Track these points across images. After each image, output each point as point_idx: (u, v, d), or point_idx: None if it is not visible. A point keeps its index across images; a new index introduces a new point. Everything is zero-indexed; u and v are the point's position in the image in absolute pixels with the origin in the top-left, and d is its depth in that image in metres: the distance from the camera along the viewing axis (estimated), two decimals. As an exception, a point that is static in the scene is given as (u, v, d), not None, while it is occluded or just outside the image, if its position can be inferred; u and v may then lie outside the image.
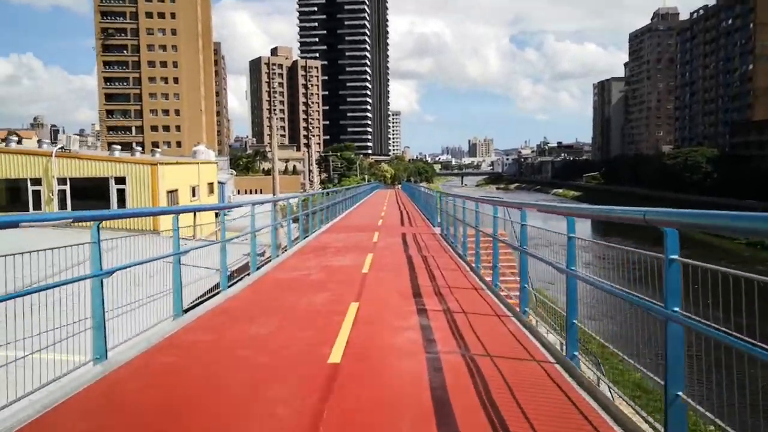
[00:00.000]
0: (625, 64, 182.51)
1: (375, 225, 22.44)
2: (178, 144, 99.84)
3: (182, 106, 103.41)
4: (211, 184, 38.64)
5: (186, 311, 7.82)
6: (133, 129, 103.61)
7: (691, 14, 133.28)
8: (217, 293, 8.41)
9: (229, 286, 8.88)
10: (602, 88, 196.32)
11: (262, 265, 11.36)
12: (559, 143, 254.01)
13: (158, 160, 26.82)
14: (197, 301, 8.25)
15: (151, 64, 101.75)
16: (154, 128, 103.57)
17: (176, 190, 29.38)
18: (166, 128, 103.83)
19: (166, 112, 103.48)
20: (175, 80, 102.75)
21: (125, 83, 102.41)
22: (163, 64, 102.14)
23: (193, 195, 33.44)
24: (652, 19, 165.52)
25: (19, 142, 37.46)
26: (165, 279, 7.03)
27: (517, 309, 6.96)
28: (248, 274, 10.17)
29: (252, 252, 10.09)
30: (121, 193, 25.14)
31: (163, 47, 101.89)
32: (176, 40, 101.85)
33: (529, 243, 7.05)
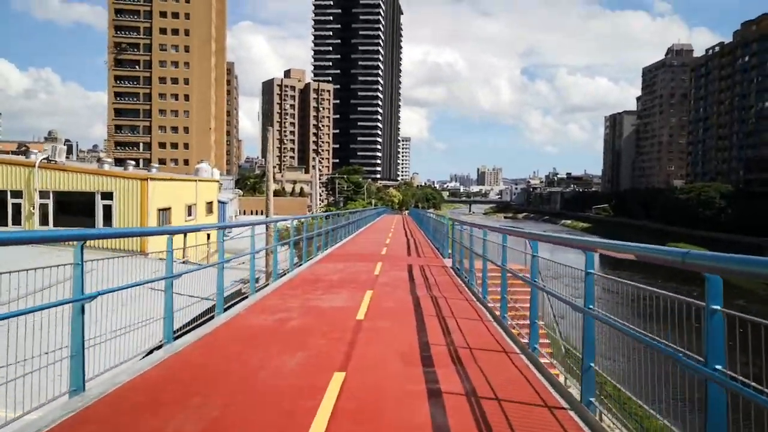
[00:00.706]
0: (638, 98, 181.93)
1: (378, 254, 20.24)
2: (186, 162, 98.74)
3: (191, 124, 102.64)
4: (210, 204, 36.88)
5: (136, 354, 5.84)
6: (141, 145, 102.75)
7: (707, 50, 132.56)
8: (160, 347, 6.35)
9: (179, 336, 6.80)
10: (614, 121, 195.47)
11: (236, 303, 9.34)
12: (569, 174, 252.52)
13: (148, 175, 25.05)
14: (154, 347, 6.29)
15: (162, 80, 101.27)
16: (162, 145, 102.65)
17: (169, 209, 27.61)
18: (174, 145, 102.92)
19: (175, 129, 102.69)
20: (186, 97, 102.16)
21: (135, 98, 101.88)
22: (175, 80, 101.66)
23: (189, 214, 31.67)
24: (666, 54, 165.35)
25: (25, 154, 35.96)
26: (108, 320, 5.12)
27: (574, 395, 4.86)
28: (212, 317, 8.08)
29: (218, 289, 8.02)
30: (108, 210, 23.33)
31: (175, 64, 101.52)
32: (189, 57, 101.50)
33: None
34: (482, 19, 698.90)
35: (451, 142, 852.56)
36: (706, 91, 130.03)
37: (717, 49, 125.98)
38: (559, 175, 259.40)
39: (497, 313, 8.54)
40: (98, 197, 23.12)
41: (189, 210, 31.80)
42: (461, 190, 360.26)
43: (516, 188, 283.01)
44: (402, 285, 12.25)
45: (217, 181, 38.25)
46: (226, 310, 8.47)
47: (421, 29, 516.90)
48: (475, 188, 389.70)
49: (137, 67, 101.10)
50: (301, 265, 15.09)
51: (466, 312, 9.25)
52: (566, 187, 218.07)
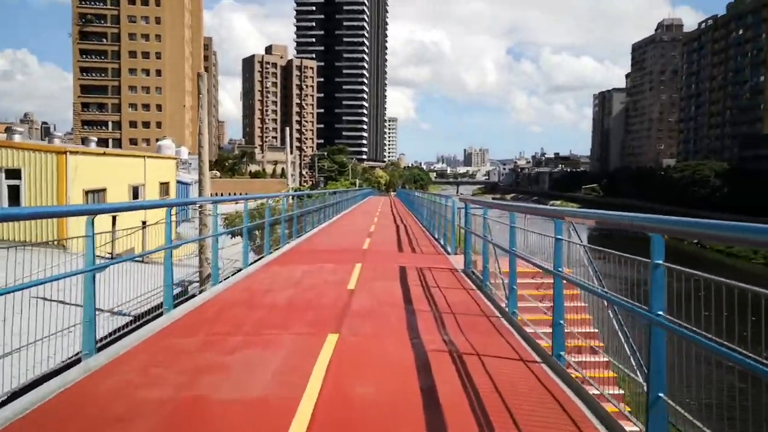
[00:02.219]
0: (627, 75, 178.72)
1: (359, 248, 15.33)
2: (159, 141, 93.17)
3: (165, 102, 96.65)
4: (166, 185, 32.10)
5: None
6: (110, 124, 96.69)
7: (699, 24, 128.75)
8: None
9: None
10: (603, 99, 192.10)
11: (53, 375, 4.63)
12: (556, 154, 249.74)
13: (68, 147, 20.28)
14: None
15: (132, 54, 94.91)
16: (133, 124, 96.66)
17: (103, 190, 22.90)
18: (146, 124, 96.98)
19: (146, 106, 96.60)
20: (158, 73, 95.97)
21: (103, 74, 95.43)
22: (146, 54, 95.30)
23: (135, 197, 26.95)
24: (656, 30, 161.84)
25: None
26: None
27: None
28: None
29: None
30: (15, 191, 18.56)
31: (146, 36, 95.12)
32: (160, 30, 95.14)
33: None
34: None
35: (437, 123, 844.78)
36: (698, 66, 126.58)
37: (710, 22, 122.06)
38: (546, 155, 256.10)
39: (582, 384, 4.12)
40: (1, 176, 18.32)
41: (135, 192, 27.09)
42: (448, 171, 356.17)
43: (504, 169, 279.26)
44: (392, 317, 7.19)
45: (175, 158, 33.38)
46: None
47: (405, 7, 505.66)
48: (462, 169, 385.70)
49: (104, 40, 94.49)
50: (238, 272, 10.42)
51: (538, 404, 4.35)
52: (554, 167, 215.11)
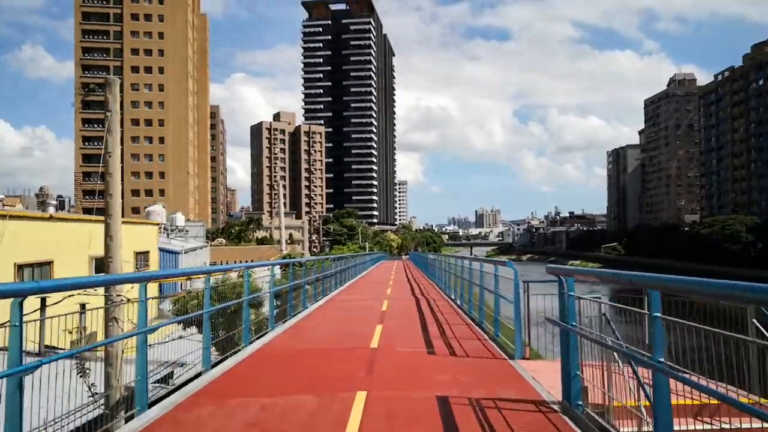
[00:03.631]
0: (641, 132, 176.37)
1: (365, 344, 9.90)
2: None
3: (168, 169, 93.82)
4: (144, 254, 27.45)
5: None
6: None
7: (716, 76, 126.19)
8: None
9: None
10: (617, 156, 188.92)
11: None
12: (571, 213, 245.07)
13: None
14: None
15: (135, 122, 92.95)
16: (135, 192, 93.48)
17: (50, 263, 18.22)
18: (149, 192, 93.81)
19: (149, 174, 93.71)
20: (161, 140, 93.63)
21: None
22: (148, 122, 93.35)
23: (99, 270, 22.15)
24: (668, 85, 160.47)
25: None
26: None
27: None
28: None
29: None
30: None
31: (149, 104, 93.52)
32: (164, 97, 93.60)
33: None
34: (471, 64, 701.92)
35: (446, 186, 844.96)
36: (717, 119, 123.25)
37: (726, 74, 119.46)
38: (561, 215, 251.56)
39: None
40: None
41: (99, 264, 22.28)
42: (460, 233, 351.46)
43: (518, 229, 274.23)
44: None
45: (156, 224, 28.84)
46: None
47: (411, 75, 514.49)
48: (474, 231, 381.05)
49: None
50: (161, 399, 5.16)
51: None
52: (570, 227, 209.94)
